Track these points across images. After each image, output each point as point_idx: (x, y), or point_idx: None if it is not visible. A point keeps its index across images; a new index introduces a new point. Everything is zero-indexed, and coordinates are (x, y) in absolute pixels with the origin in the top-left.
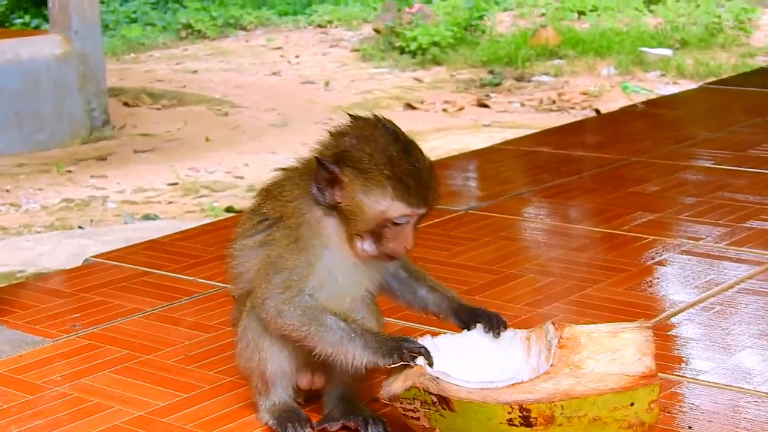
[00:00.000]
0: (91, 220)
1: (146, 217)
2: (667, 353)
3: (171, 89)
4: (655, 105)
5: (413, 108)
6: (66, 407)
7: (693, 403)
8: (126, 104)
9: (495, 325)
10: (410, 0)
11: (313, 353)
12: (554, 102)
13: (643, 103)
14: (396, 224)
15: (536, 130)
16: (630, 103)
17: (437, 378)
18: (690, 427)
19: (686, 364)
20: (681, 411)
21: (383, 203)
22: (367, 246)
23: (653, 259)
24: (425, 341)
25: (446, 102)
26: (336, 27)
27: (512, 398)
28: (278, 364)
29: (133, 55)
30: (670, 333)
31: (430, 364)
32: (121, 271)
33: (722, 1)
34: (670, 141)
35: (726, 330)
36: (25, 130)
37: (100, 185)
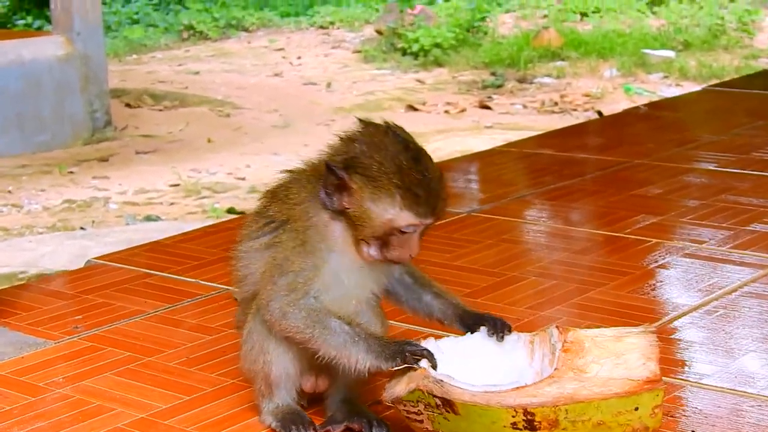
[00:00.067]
0: (93, 221)
1: (148, 219)
2: (670, 357)
3: (173, 90)
4: (658, 107)
5: (415, 109)
6: (68, 409)
7: (696, 407)
8: (128, 105)
9: (499, 328)
10: (412, 1)
11: (317, 356)
12: (556, 104)
13: (645, 105)
14: (403, 232)
15: (538, 132)
16: (632, 105)
17: (441, 381)
18: (693, 431)
19: (689, 368)
20: (684, 415)
21: (391, 212)
22: (372, 251)
23: (656, 262)
24: (429, 344)
25: (448, 103)
26: (338, 28)
27: (516, 402)
28: (283, 366)
29: (135, 56)
30: (672, 336)
31: (434, 367)
32: (123, 273)
33: (725, 3)
34: (672, 143)
35: (729, 334)
36: (27, 131)
37: (102, 186)
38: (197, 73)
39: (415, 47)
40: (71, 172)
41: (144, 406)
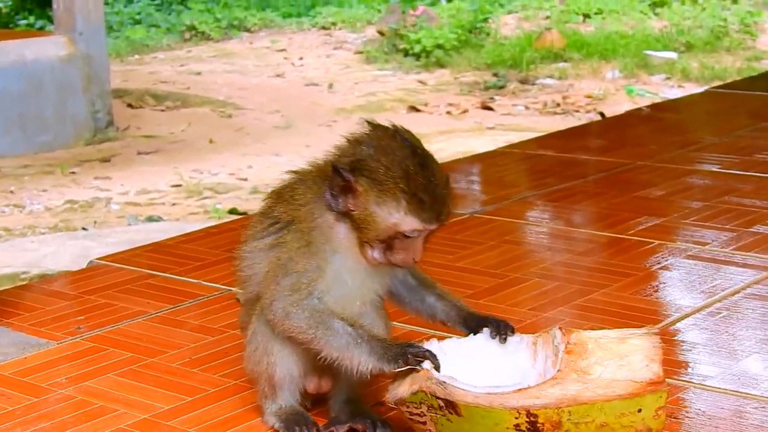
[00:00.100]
0: (95, 222)
1: (150, 219)
2: (673, 358)
3: (175, 91)
4: (661, 109)
5: (417, 110)
6: (71, 410)
7: (699, 409)
8: (130, 106)
9: (502, 329)
10: (414, 2)
11: (320, 357)
12: (559, 105)
13: (648, 106)
14: (407, 237)
15: (541, 134)
16: (635, 106)
17: (444, 382)
18: None
19: (692, 370)
20: (687, 416)
21: (396, 216)
22: (376, 254)
23: (658, 263)
24: (431, 345)
25: (450, 104)
26: (340, 29)
27: (519, 403)
28: (287, 367)
29: (137, 56)
30: (676, 338)
31: (437, 368)
32: (125, 274)
33: (728, 5)
34: (675, 145)
35: (732, 335)
36: (29, 132)
37: (104, 187)
38: (199, 73)
39: (417, 48)
40: (73, 173)
41: (147, 407)
